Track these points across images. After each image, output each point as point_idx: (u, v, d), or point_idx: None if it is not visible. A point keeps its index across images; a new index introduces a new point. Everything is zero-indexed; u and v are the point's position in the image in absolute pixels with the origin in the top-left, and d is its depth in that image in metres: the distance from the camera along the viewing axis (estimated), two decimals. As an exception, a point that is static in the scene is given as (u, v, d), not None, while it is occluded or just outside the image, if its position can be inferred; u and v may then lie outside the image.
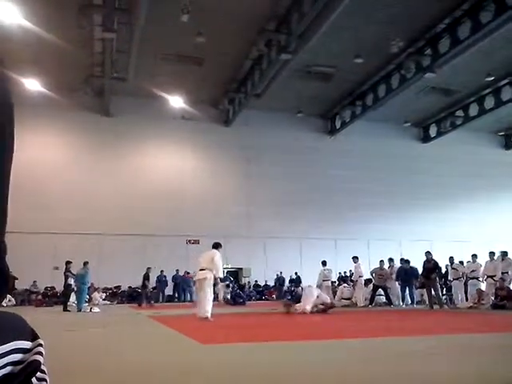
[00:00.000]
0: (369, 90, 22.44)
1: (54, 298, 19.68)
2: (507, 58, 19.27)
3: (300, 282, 21.72)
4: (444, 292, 17.00)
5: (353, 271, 17.99)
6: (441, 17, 16.82)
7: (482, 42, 16.46)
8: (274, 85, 20.62)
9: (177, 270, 22.02)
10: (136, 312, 13.54)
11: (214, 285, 10.82)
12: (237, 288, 19.67)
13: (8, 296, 18.61)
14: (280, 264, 23.54)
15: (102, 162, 22.60)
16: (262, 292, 23.63)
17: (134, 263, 20.35)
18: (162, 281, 21.74)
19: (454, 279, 15.80)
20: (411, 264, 15.95)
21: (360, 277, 16.47)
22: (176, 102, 22.62)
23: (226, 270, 19.87)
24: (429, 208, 26.22)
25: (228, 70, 20.76)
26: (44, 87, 20.64)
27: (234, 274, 23.34)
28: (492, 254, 14.47)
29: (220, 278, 10.16)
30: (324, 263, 17.23)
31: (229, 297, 18.17)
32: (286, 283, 23.62)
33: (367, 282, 16.68)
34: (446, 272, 17.41)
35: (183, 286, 22.16)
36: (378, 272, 15.87)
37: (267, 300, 22.21)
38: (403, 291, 15.71)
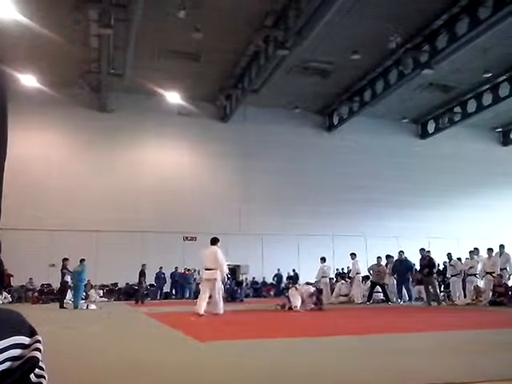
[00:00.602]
0: (366, 86, 22.40)
1: (51, 295, 19.63)
2: (505, 55, 19.23)
3: (298, 278, 21.74)
4: (442, 289, 17.02)
5: (350, 268, 18.01)
6: (439, 13, 16.76)
7: (480, 39, 16.42)
8: (272, 81, 20.58)
9: (176, 268, 22.01)
10: (133, 309, 13.52)
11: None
12: (234, 285, 19.65)
13: (4, 293, 18.58)
14: (278, 261, 23.56)
15: (98, 158, 22.53)
16: (259, 289, 23.63)
17: (131, 260, 20.31)
18: (160, 278, 21.74)
19: (451, 276, 15.81)
20: (409, 260, 15.98)
21: (357, 273, 16.47)
22: (173, 97, 22.54)
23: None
24: (427, 204, 26.23)
25: (225, 65, 20.69)
26: (40, 83, 20.51)
27: (232, 271, 23.29)
28: (490, 250, 14.48)
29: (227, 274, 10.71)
30: (323, 259, 17.24)
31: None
32: (284, 280, 23.70)
33: (365, 278, 16.69)
34: (445, 269, 17.43)
35: (183, 284, 22.16)
36: (376, 269, 15.88)
37: (265, 297, 22.21)
38: (399, 288, 15.70)
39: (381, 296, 15.93)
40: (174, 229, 22.46)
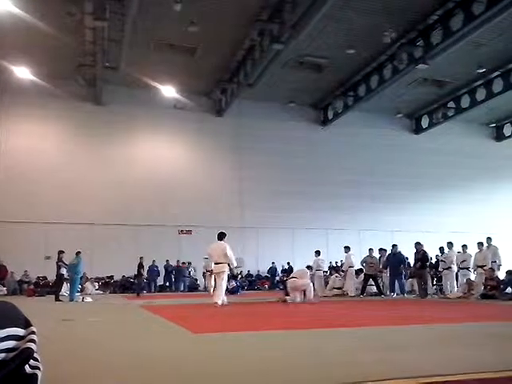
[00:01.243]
0: (361, 80, 22.44)
1: (46, 288, 19.66)
2: (499, 50, 19.32)
3: (292, 271, 21.84)
4: (434, 282, 17.19)
5: (344, 261, 18.14)
6: (433, 8, 16.81)
7: (474, 34, 16.50)
8: (267, 75, 20.58)
9: (167, 260, 22.08)
10: (130, 302, 13.58)
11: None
12: (230, 276, 19.71)
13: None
14: (272, 254, 23.69)
15: (93, 151, 22.50)
16: (254, 282, 23.75)
17: (126, 253, 20.36)
18: (153, 270, 21.79)
19: (444, 269, 15.95)
20: (402, 254, 16.12)
21: (350, 267, 16.58)
22: (168, 91, 22.49)
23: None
24: (420, 199, 26.41)
25: (221, 59, 20.67)
26: (35, 75, 20.42)
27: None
28: (480, 244, 14.65)
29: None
30: (318, 253, 17.36)
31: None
32: (279, 273, 23.83)
33: (358, 272, 16.82)
34: (437, 262, 17.60)
35: (177, 277, 22.23)
36: (369, 260, 15.98)
37: (259, 290, 22.34)
38: (392, 281, 15.81)
39: (374, 289, 16.09)
40: (169, 222, 22.52)
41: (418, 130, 27.67)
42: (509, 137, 28.35)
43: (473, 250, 15.05)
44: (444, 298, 14.33)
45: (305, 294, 12.04)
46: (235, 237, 22.66)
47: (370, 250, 16.28)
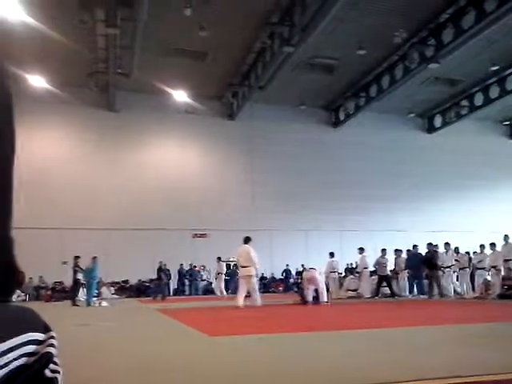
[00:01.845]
0: (372, 81, 22.36)
1: (63, 293, 19.86)
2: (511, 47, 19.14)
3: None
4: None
5: (358, 263, 18.03)
6: (444, 6, 16.72)
7: (487, 31, 16.35)
8: (278, 77, 20.62)
9: (181, 264, 22.15)
10: (147, 306, 13.66)
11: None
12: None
13: (17, 291, 18.81)
14: (286, 256, 23.65)
15: (107, 157, 22.72)
16: (268, 285, 23.73)
17: (142, 257, 20.52)
18: (166, 275, 21.84)
19: (460, 269, 15.77)
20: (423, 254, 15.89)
21: (365, 268, 16.48)
22: (180, 96, 22.65)
23: (233, 263, 20.03)
24: (434, 199, 26.18)
25: (231, 63, 20.76)
26: (48, 83, 20.73)
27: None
28: (493, 245, 14.44)
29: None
30: (332, 254, 17.31)
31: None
32: (293, 275, 23.78)
33: (373, 273, 16.70)
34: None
35: (191, 280, 22.30)
36: (381, 261, 15.84)
37: (274, 292, 22.32)
38: (411, 282, 15.60)
39: (388, 290, 15.95)
40: (183, 226, 22.61)
41: (430, 129, 27.46)
42: (524, 134, 28.05)
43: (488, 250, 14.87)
44: (460, 299, 14.18)
45: (317, 294, 11.97)
46: (249, 240, 22.75)
47: (383, 250, 16.16)
